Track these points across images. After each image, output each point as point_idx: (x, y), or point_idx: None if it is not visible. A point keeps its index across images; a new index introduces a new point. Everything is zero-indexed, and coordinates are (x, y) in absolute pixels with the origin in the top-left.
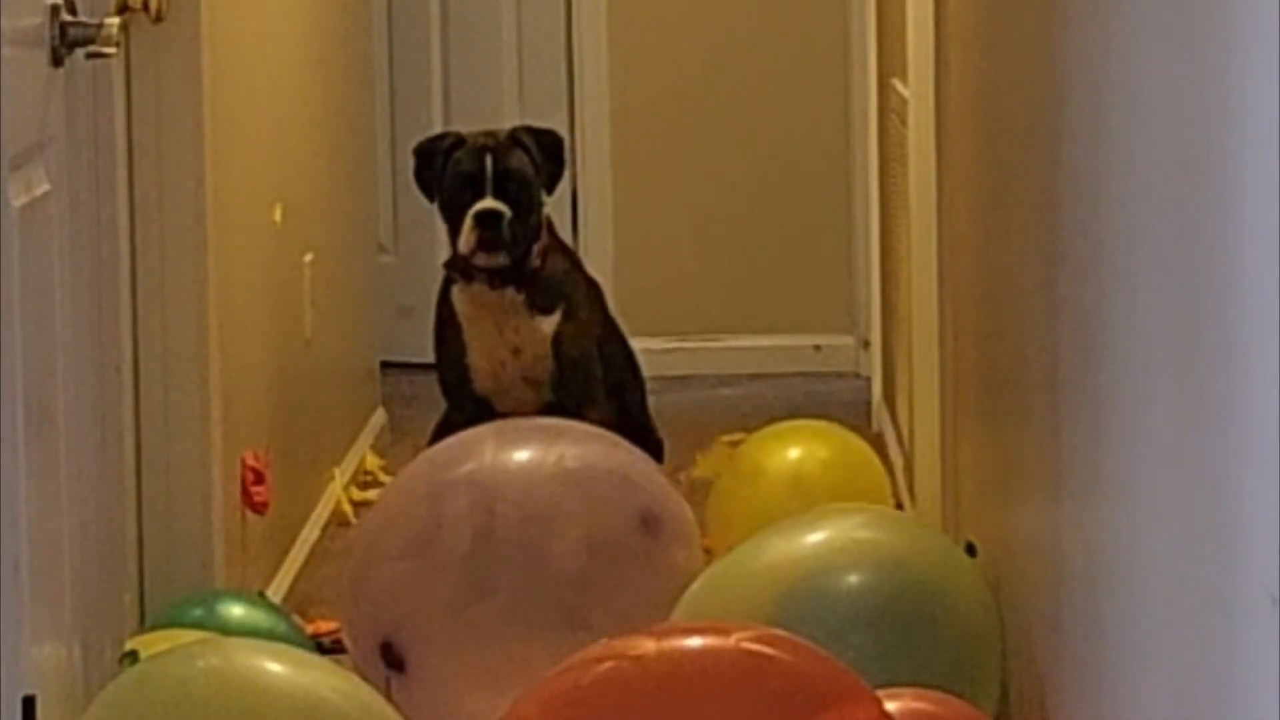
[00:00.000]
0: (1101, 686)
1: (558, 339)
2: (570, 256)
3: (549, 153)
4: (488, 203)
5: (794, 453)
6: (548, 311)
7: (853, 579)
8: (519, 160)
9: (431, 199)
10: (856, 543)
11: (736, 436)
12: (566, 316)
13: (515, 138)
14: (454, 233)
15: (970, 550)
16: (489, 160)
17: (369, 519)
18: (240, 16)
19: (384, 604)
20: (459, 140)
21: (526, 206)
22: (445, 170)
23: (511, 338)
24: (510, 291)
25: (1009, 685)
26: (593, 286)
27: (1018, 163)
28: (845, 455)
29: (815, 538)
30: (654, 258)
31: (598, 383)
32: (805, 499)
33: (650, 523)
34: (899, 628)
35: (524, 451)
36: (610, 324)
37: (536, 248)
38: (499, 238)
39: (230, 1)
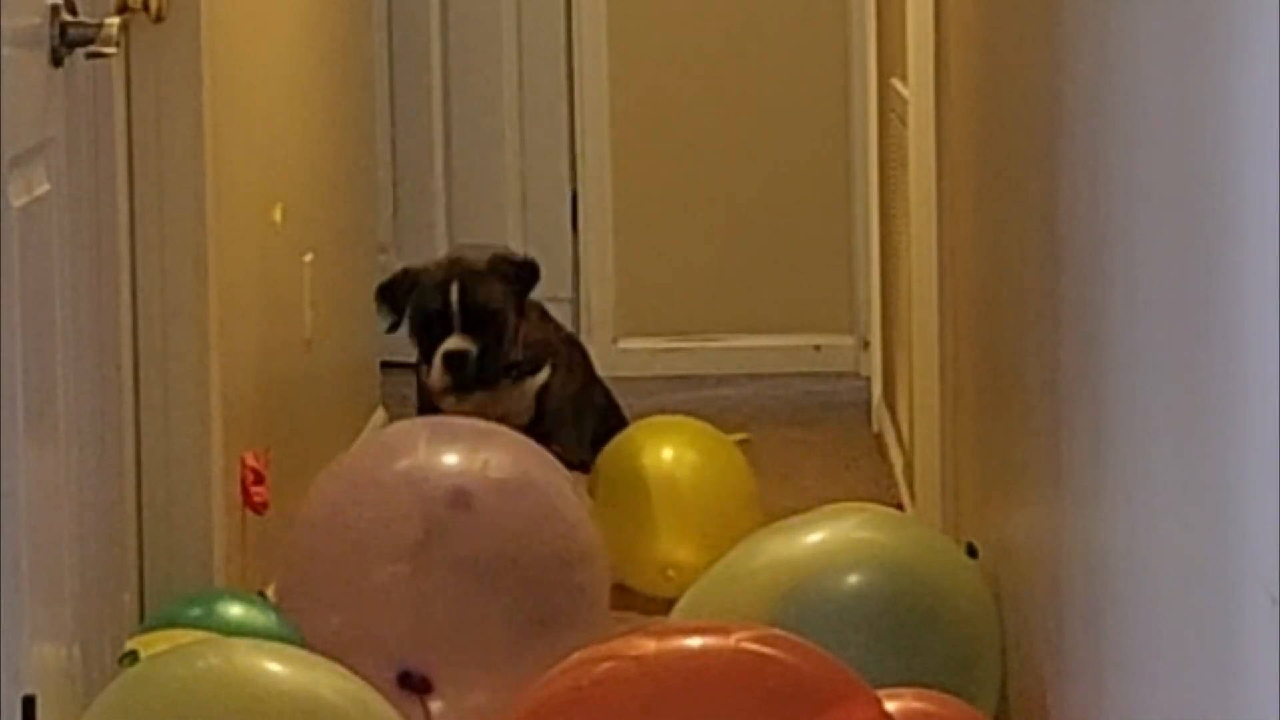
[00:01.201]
0: (1101, 686)
1: (542, 391)
2: (548, 322)
3: (524, 283)
4: (455, 342)
5: (667, 453)
6: (533, 374)
7: (852, 579)
8: (487, 292)
9: (396, 329)
10: (855, 543)
11: (737, 436)
12: (553, 371)
13: (492, 266)
14: (424, 363)
15: (971, 551)
16: (455, 293)
17: (308, 534)
18: (240, 17)
19: (384, 620)
20: (421, 273)
21: (496, 337)
22: (410, 303)
23: (496, 408)
24: (492, 391)
25: (1009, 685)
26: (575, 346)
27: (1018, 163)
28: (712, 458)
29: (814, 538)
30: (654, 258)
31: (574, 420)
32: (675, 502)
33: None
34: (898, 628)
35: (453, 455)
36: (594, 379)
37: (510, 339)
38: (466, 377)
39: (230, 1)
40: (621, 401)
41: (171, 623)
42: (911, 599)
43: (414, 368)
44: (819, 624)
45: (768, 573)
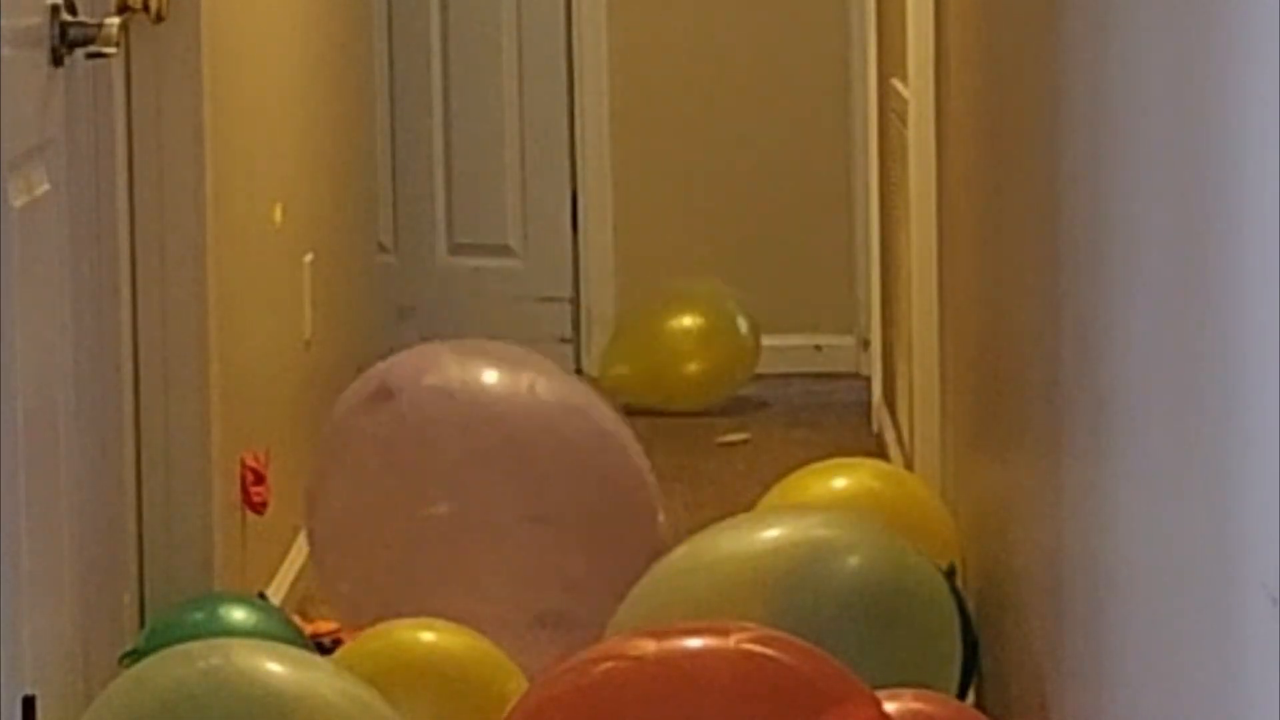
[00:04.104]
0: (1101, 686)
1: None
2: None
3: None
4: None
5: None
6: None
7: (821, 572)
8: None
9: None
10: (814, 539)
11: (736, 436)
12: None
13: None
14: None
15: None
16: None
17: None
18: (240, 16)
19: None
20: None
21: None
22: None
23: None
24: None
25: (1009, 685)
26: None
27: (1018, 163)
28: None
29: (772, 533)
30: (654, 257)
31: None
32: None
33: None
34: (865, 622)
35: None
36: None
37: None
38: None
39: (230, 1)
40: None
41: (171, 627)
42: (876, 594)
43: None
44: (796, 616)
45: (720, 567)
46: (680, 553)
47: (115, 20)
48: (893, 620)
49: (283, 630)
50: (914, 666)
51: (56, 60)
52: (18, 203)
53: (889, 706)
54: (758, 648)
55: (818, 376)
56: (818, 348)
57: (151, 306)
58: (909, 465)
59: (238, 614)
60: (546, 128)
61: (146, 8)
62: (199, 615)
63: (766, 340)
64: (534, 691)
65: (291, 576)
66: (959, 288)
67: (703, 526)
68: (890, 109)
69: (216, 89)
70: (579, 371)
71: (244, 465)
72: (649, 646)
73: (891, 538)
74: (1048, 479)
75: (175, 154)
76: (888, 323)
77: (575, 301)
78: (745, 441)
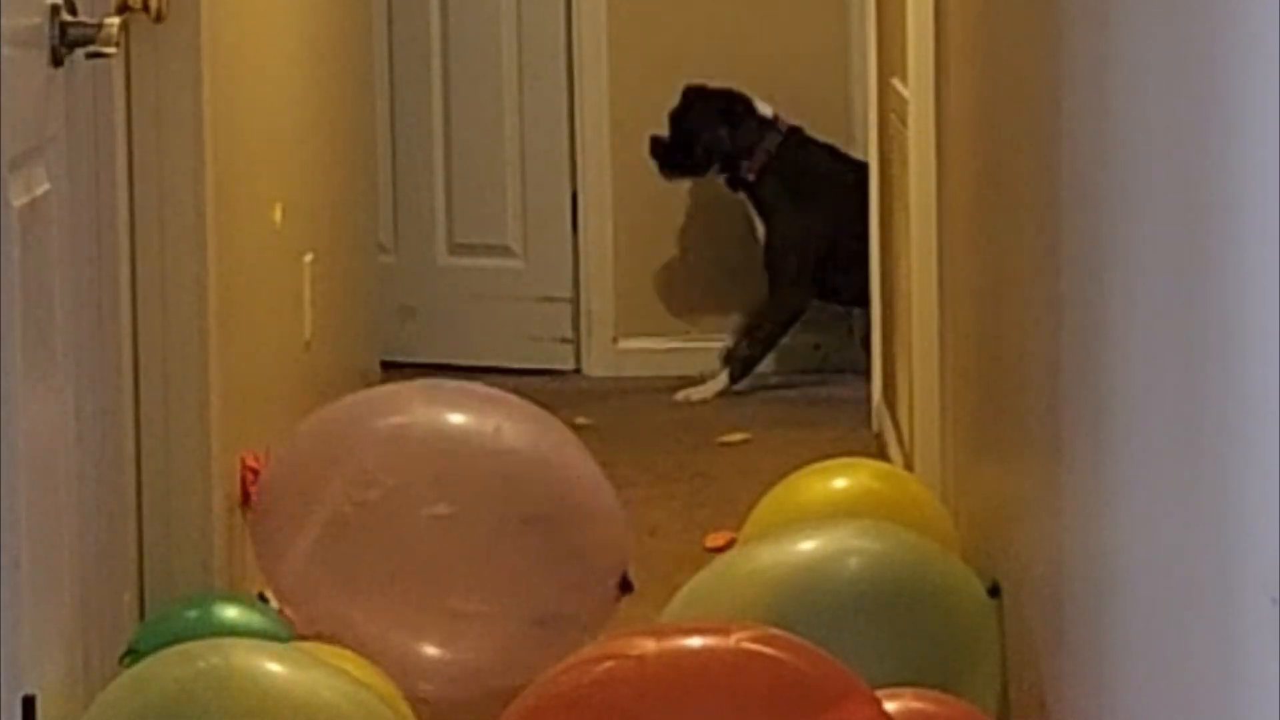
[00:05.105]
0: (1101, 686)
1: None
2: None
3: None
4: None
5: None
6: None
7: (849, 577)
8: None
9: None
10: (851, 548)
11: (736, 436)
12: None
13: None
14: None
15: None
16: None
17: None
18: (240, 17)
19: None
20: None
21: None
22: None
23: None
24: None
25: (1009, 685)
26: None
27: (1018, 163)
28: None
29: (809, 543)
30: (654, 257)
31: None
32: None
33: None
34: (894, 626)
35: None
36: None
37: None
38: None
39: (230, 1)
40: (621, 401)
41: (167, 620)
42: (909, 597)
43: (435, 368)
44: (814, 621)
45: (763, 573)
46: (714, 567)
47: (115, 20)
48: (916, 622)
49: (273, 627)
50: (940, 670)
51: (56, 60)
52: (18, 203)
53: (889, 705)
54: (758, 647)
55: (818, 376)
56: (817, 347)
57: (151, 306)
58: (909, 465)
59: (230, 611)
60: (546, 128)
61: (146, 8)
62: (192, 613)
63: None
64: (534, 691)
65: None
66: (959, 288)
67: (703, 526)
68: (890, 109)
69: (216, 89)
70: (578, 371)
71: (244, 465)
72: (649, 646)
73: (929, 546)
74: (1048, 479)
75: (175, 154)
76: (888, 322)
77: (575, 301)
78: (745, 441)
